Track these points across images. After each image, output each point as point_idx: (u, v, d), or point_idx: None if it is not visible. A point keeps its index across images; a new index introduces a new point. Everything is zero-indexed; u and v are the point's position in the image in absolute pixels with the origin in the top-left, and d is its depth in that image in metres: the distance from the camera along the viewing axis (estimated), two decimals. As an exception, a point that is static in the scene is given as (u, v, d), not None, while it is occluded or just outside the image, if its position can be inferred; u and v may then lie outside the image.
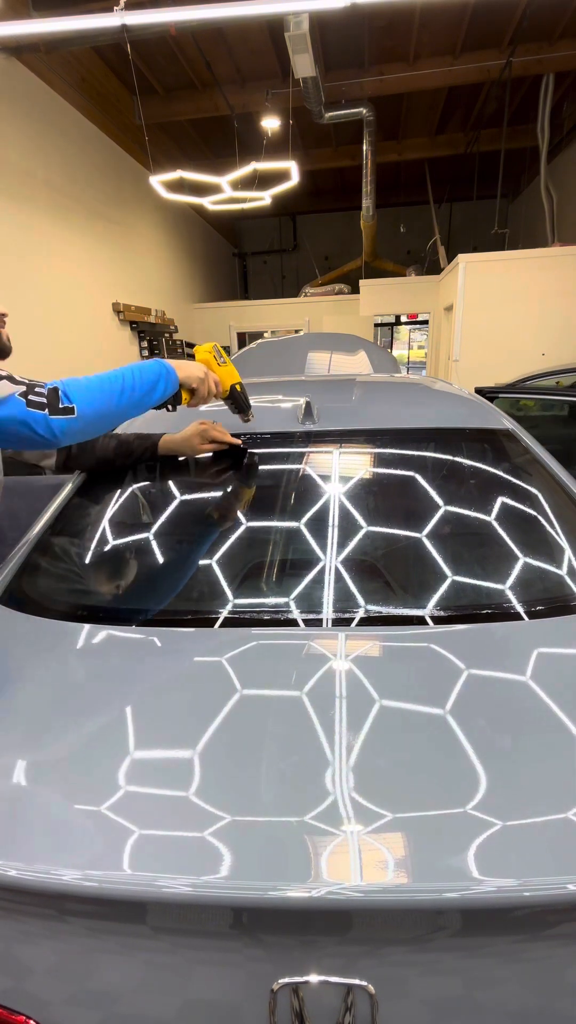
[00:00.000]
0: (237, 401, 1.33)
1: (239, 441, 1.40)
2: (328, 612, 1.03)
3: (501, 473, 1.37)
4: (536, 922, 0.59)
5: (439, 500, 1.27)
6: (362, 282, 9.05)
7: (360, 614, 1.02)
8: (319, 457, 1.40)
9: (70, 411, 0.97)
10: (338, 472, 1.35)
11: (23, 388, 0.95)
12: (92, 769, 0.72)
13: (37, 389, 0.96)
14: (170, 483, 1.38)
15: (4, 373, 0.96)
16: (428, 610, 1.03)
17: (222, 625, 1.01)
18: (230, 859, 0.60)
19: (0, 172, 5.19)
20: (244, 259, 13.81)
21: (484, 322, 6.48)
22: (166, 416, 1.24)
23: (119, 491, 1.37)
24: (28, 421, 0.94)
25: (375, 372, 2.70)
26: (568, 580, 1.09)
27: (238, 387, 1.32)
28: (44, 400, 0.95)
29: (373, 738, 0.75)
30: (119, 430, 1.50)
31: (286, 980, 0.59)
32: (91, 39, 4.76)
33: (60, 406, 0.97)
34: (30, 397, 0.95)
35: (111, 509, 1.34)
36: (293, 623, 1.01)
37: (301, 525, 1.23)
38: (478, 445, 1.46)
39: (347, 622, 1.01)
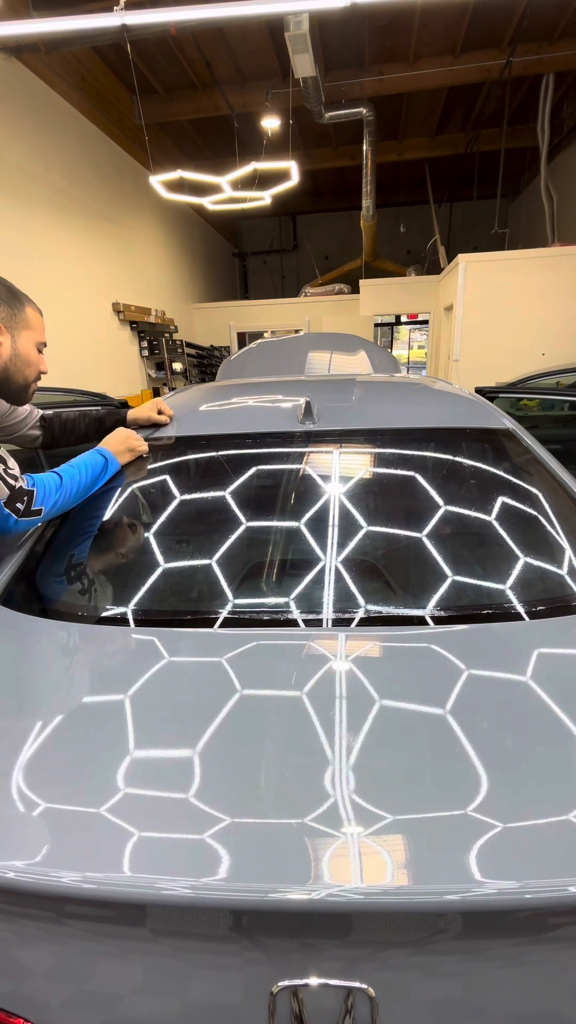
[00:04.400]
0: None
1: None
2: (328, 612, 1.03)
3: (501, 473, 1.37)
4: (537, 924, 0.58)
5: (439, 500, 1.27)
6: (362, 282, 9.05)
7: (360, 614, 1.02)
8: (319, 457, 1.40)
9: (38, 513, 1.17)
10: (338, 472, 1.34)
11: (7, 495, 1.11)
12: (91, 770, 0.72)
13: (23, 497, 1.14)
14: (170, 483, 1.38)
15: (1, 473, 1.11)
16: (428, 610, 1.02)
17: (222, 625, 1.01)
18: (230, 861, 0.60)
19: (0, 172, 5.19)
20: (244, 259, 13.82)
21: (484, 322, 6.48)
22: None
23: (118, 491, 1.37)
24: (4, 518, 1.12)
25: (375, 372, 2.70)
26: (569, 580, 1.09)
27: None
28: (21, 507, 1.14)
29: (373, 739, 0.75)
30: None
31: (286, 983, 0.58)
32: (91, 39, 4.76)
33: (32, 509, 1.16)
34: (16, 504, 1.12)
35: (110, 509, 1.33)
36: (293, 623, 1.01)
37: (301, 525, 1.22)
38: (478, 445, 1.46)
39: (347, 622, 1.00)
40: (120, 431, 1.43)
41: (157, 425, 1.60)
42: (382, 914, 0.58)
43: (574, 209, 7.80)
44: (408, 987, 0.60)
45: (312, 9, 3.95)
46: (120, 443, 1.40)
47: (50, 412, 1.58)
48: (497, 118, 7.46)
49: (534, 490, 1.31)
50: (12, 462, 1.15)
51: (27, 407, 1.47)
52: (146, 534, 1.28)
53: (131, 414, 1.64)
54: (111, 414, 1.65)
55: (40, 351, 1.30)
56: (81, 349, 6.50)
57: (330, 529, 1.20)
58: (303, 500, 1.28)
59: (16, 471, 1.15)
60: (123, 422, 1.62)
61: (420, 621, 1.00)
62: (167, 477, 1.40)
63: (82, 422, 1.61)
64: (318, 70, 5.23)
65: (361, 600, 1.06)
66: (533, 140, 7.41)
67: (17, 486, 1.14)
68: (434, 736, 0.75)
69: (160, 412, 1.63)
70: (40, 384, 1.32)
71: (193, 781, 0.70)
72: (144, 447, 1.44)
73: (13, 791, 0.69)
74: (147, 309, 8.05)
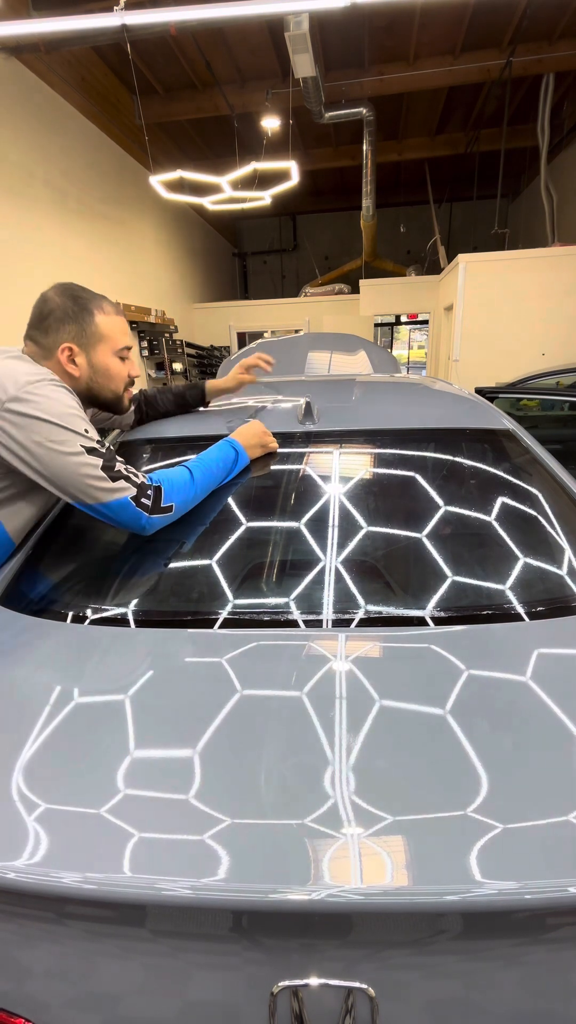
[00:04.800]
0: None
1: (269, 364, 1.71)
2: (328, 613, 1.03)
3: (501, 473, 1.37)
4: (537, 925, 0.59)
5: (439, 500, 1.27)
6: (362, 282, 9.04)
7: (360, 615, 1.02)
8: (319, 457, 1.40)
9: (168, 510, 1.15)
10: (338, 472, 1.34)
11: (134, 492, 1.10)
12: (92, 771, 0.72)
13: (148, 492, 1.12)
14: None
15: (125, 470, 1.11)
16: (428, 611, 1.02)
17: (222, 626, 1.01)
18: (230, 862, 0.60)
19: (0, 172, 5.19)
20: (244, 259, 13.81)
21: (484, 322, 6.48)
22: None
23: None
24: (135, 517, 1.11)
25: (375, 372, 2.70)
26: (568, 580, 1.09)
27: None
28: (149, 503, 1.12)
29: (373, 740, 0.75)
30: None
31: (286, 983, 0.58)
32: (91, 39, 4.76)
33: (161, 506, 1.14)
34: (142, 500, 1.11)
35: None
36: (293, 624, 1.01)
37: (301, 526, 1.22)
38: (478, 445, 1.46)
39: (347, 623, 1.00)
40: (254, 424, 1.38)
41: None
42: (382, 914, 0.58)
43: (574, 209, 7.81)
44: (408, 987, 0.60)
45: (312, 9, 3.95)
46: (253, 436, 1.35)
47: (137, 392, 1.57)
48: (497, 118, 7.46)
49: (534, 491, 1.31)
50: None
51: None
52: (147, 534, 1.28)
53: (212, 384, 1.67)
54: (191, 387, 1.65)
55: (123, 357, 1.26)
56: (81, 349, 6.50)
57: (330, 530, 1.20)
58: (303, 500, 1.28)
59: (133, 468, 1.15)
60: (203, 393, 1.66)
61: (420, 622, 1.00)
62: None
63: (163, 398, 1.62)
64: (318, 70, 5.22)
65: (361, 601, 1.06)
66: (533, 140, 7.41)
67: (139, 481, 1.12)
68: (434, 737, 0.75)
69: (248, 371, 1.66)
70: None
71: (193, 781, 0.70)
72: (275, 445, 1.40)
73: (14, 791, 0.69)
74: (147, 309, 8.04)
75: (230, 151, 7.71)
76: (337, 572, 1.11)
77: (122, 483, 1.09)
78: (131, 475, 1.12)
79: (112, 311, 1.24)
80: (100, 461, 1.08)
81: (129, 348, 1.27)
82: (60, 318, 1.18)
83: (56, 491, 1.11)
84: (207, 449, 1.30)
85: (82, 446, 1.08)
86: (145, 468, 1.43)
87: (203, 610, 1.07)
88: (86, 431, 1.10)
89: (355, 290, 9.65)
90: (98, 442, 1.11)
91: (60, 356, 1.18)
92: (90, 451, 1.08)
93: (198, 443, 1.48)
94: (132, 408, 1.52)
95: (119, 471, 1.10)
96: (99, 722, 0.81)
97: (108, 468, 1.09)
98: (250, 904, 0.57)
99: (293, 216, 12.82)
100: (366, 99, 6.67)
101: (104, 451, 1.11)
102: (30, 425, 1.06)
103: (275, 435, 1.45)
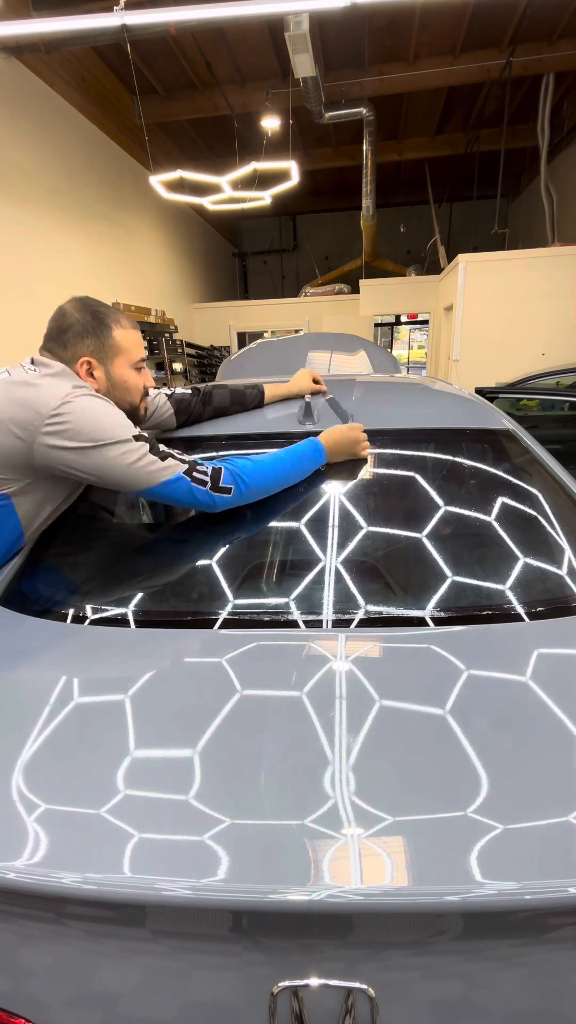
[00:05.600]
0: None
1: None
2: (328, 613, 1.03)
3: (501, 473, 1.37)
4: (537, 925, 0.59)
5: (439, 501, 1.27)
6: (362, 282, 9.04)
7: (360, 615, 1.02)
8: None
9: (228, 491, 1.15)
10: (337, 472, 1.35)
11: (185, 467, 1.13)
12: (91, 771, 0.72)
13: (200, 468, 1.14)
14: None
15: (168, 450, 1.14)
16: (428, 611, 1.02)
17: (222, 626, 1.01)
18: (230, 862, 0.60)
19: (0, 172, 5.19)
20: (244, 259, 13.81)
21: (484, 322, 6.48)
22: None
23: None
24: (194, 493, 1.13)
25: (375, 372, 2.70)
26: (569, 581, 1.09)
27: None
28: (206, 479, 1.13)
29: (373, 740, 0.75)
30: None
31: (286, 983, 0.58)
32: (91, 39, 4.76)
33: (220, 485, 1.14)
34: (195, 475, 1.12)
35: (111, 509, 1.33)
36: (293, 624, 1.01)
37: (301, 526, 1.22)
38: (478, 445, 1.46)
39: (347, 623, 1.00)
40: (351, 429, 1.32)
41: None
42: (382, 915, 0.58)
43: (574, 209, 7.81)
44: (408, 987, 0.60)
45: (312, 9, 3.95)
46: (343, 439, 1.30)
47: (185, 392, 1.53)
48: (497, 118, 7.46)
49: (534, 491, 1.31)
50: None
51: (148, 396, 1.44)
52: (147, 535, 1.28)
53: (273, 389, 1.60)
54: (250, 388, 1.59)
55: (139, 369, 1.29)
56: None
57: (330, 530, 1.20)
58: (303, 501, 1.28)
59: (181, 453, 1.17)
60: (262, 394, 1.59)
61: (420, 622, 1.00)
62: None
63: (224, 394, 1.56)
64: (318, 70, 5.22)
65: (361, 601, 1.06)
66: (533, 140, 7.41)
67: (187, 459, 1.15)
68: (434, 737, 0.75)
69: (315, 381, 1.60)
70: None
71: (193, 782, 0.70)
72: (366, 454, 1.34)
73: (14, 792, 0.69)
74: (147, 309, 8.04)
75: (230, 151, 7.71)
76: (337, 572, 1.11)
77: (171, 461, 1.13)
78: (175, 453, 1.15)
79: (128, 325, 1.27)
80: (146, 446, 1.12)
81: (144, 360, 1.30)
82: (79, 332, 1.20)
83: (111, 486, 1.15)
84: (293, 444, 1.29)
85: (128, 436, 1.11)
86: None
87: (203, 610, 1.07)
88: (126, 424, 1.14)
89: (355, 290, 9.65)
90: (139, 431, 1.14)
91: (79, 369, 1.20)
92: (136, 438, 1.12)
93: (196, 443, 1.48)
94: (169, 411, 1.51)
95: (165, 451, 1.14)
96: (99, 722, 0.81)
97: (155, 450, 1.13)
98: (250, 904, 0.57)
99: (293, 216, 12.81)
100: (366, 99, 6.67)
101: (147, 438, 1.14)
102: (76, 431, 1.09)
103: (275, 435, 1.44)
